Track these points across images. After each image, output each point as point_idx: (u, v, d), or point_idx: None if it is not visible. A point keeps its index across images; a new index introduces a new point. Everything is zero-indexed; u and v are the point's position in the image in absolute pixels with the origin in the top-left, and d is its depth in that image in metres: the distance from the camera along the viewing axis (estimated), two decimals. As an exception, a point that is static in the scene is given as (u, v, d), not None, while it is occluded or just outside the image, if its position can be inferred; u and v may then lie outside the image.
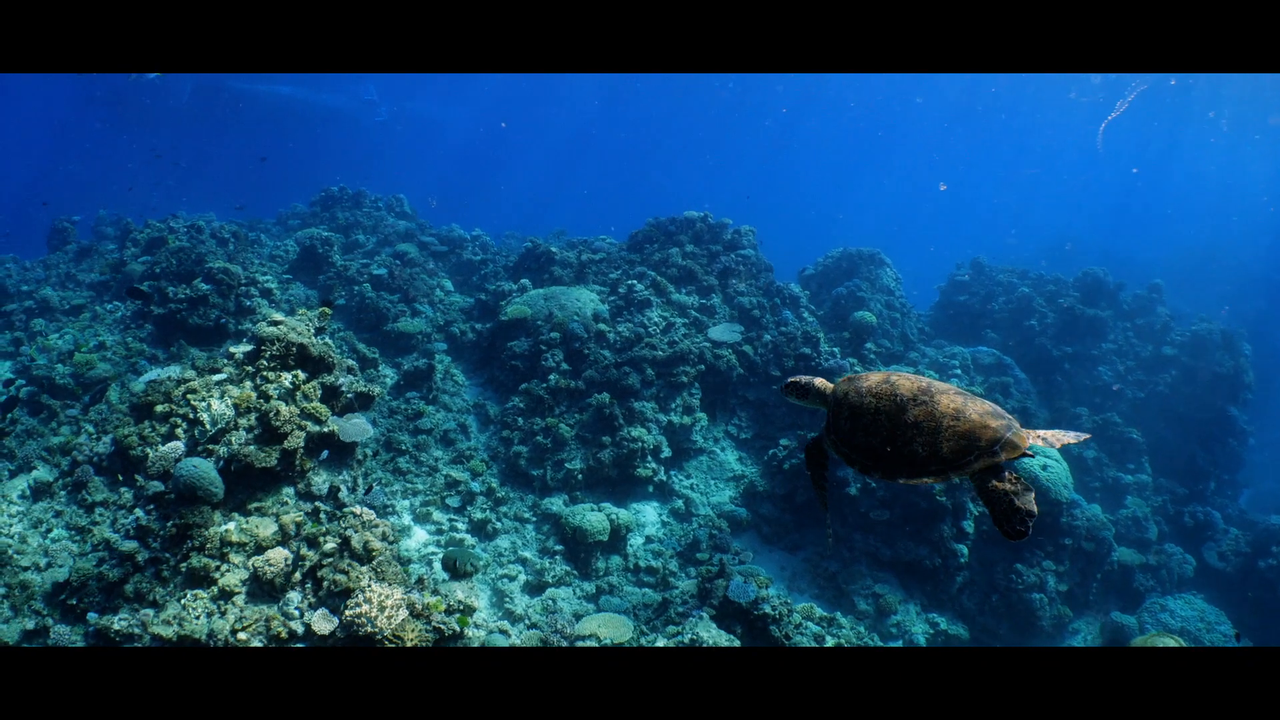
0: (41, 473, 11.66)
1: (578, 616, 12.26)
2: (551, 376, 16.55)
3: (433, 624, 9.47)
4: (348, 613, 8.96)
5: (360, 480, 11.68)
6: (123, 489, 11.07)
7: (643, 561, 14.04)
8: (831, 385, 4.50)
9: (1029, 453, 3.74)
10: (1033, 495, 3.61)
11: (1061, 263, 32.95)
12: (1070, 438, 3.80)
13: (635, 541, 14.53)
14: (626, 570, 13.95)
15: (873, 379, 4.16)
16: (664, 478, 15.77)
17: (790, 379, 4.81)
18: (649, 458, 15.64)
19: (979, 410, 3.81)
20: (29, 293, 18.11)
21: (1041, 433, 3.82)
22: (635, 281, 18.94)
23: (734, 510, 15.43)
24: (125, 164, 55.28)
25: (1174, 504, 20.75)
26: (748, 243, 21.19)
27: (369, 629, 8.86)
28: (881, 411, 3.97)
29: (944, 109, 67.40)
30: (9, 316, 17.39)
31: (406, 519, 14.17)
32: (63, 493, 11.37)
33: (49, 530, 10.68)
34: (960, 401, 3.86)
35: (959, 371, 20.60)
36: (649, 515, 15.24)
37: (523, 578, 13.43)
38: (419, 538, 13.92)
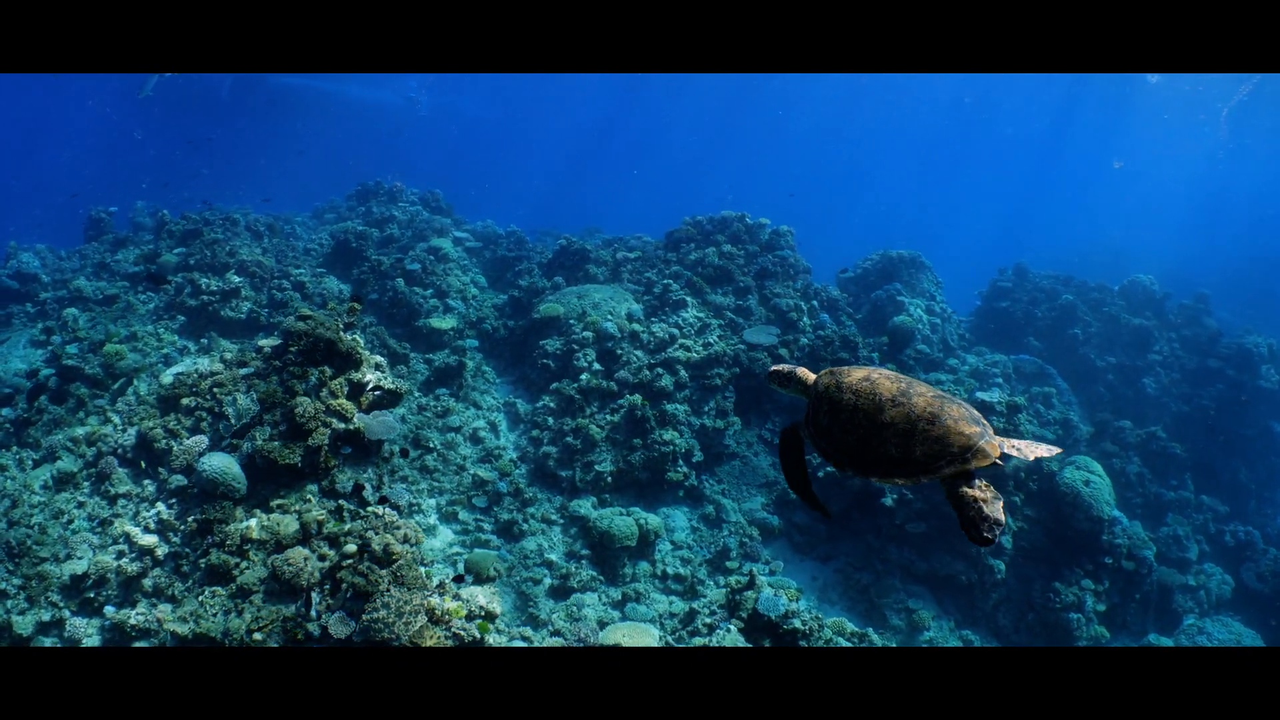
0: (66, 463, 11.58)
1: (602, 624, 12.02)
2: (583, 376, 16.31)
3: (452, 630, 9.27)
4: (365, 617, 8.77)
5: (385, 478, 11.49)
6: (146, 482, 11.00)
7: (671, 568, 13.76)
8: (814, 376, 4.49)
9: (999, 462, 3.66)
10: (1001, 504, 3.58)
11: (1104, 269, 32.31)
12: (1043, 450, 3.79)
13: (664, 547, 14.25)
14: (654, 577, 13.68)
15: (855, 375, 4.12)
16: (695, 482, 15.47)
17: (774, 367, 4.78)
18: (680, 461, 15.36)
19: (954, 415, 3.75)
20: (62, 282, 18.14)
21: (1015, 442, 3.78)
22: (671, 281, 18.67)
23: (765, 518, 15.11)
24: (164, 156, 55.77)
25: (1215, 522, 20.11)
26: (786, 244, 20.85)
27: (386, 634, 8.67)
28: (860, 409, 3.94)
29: (1001, 109, 66.30)
30: (42, 305, 17.42)
31: (432, 518, 13.99)
32: (86, 484, 11.31)
33: (70, 521, 10.59)
34: (938, 406, 3.79)
35: (1000, 380, 20.14)
36: (679, 520, 14.95)
37: (548, 581, 13.20)
38: (444, 537, 13.74)
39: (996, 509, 3.54)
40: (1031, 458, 3.75)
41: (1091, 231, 63.78)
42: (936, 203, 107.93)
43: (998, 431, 5.94)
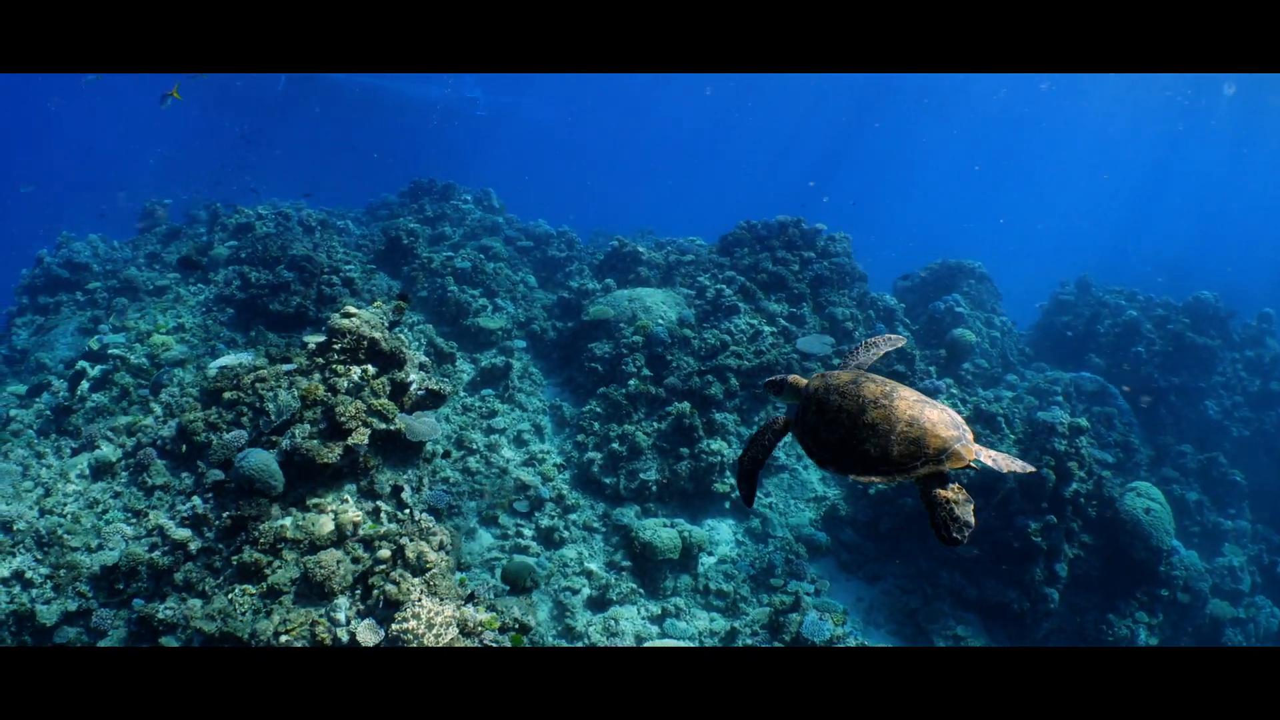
0: (105, 452, 11.47)
1: (640, 640, 11.68)
2: (631, 381, 16.00)
3: (484, 643, 8.96)
4: (395, 626, 8.50)
5: (425, 480, 11.24)
6: (183, 474, 10.85)
7: (713, 584, 13.35)
8: (805, 381, 4.67)
9: (973, 465, 3.79)
10: (972, 507, 3.70)
11: (1172, 284, 31.39)
12: (1017, 465, 3.89)
13: (707, 561, 13.84)
14: (695, 591, 13.29)
15: (843, 378, 4.30)
16: (741, 494, 15.03)
17: (768, 379, 5.03)
18: (728, 472, 14.96)
19: (932, 419, 3.89)
20: (113, 272, 18.20)
21: (992, 453, 3.86)
22: (724, 286, 18.30)
23: (812, 534, 14.64)
24: (219, 149, 56.50)
25: (1269, 553, 19.36)
26: (841, 250, 20.37)
27: (414, 646, 8.38)
28: (844, 410, 4.11)
29: (1060, 114, 64.96)
30: (91, 294, 17.47)
31: (472, 521, 13.75)
32: (124, 474, 11.20)
33: (105, 511, 10.48)
34: (918, 409, 3.94)
35: (1060, 398, 19.49)
36: (723, 533, 14.55)
37: (586, 592, 12.88)
38: (483, 541, 13.49)
39: (967, 511, 3.67)
40: (1005, 470, 3.83)
41: (1148, 243, 62.29)
42: (998, 209, 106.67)
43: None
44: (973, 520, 3.66)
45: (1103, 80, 49.88)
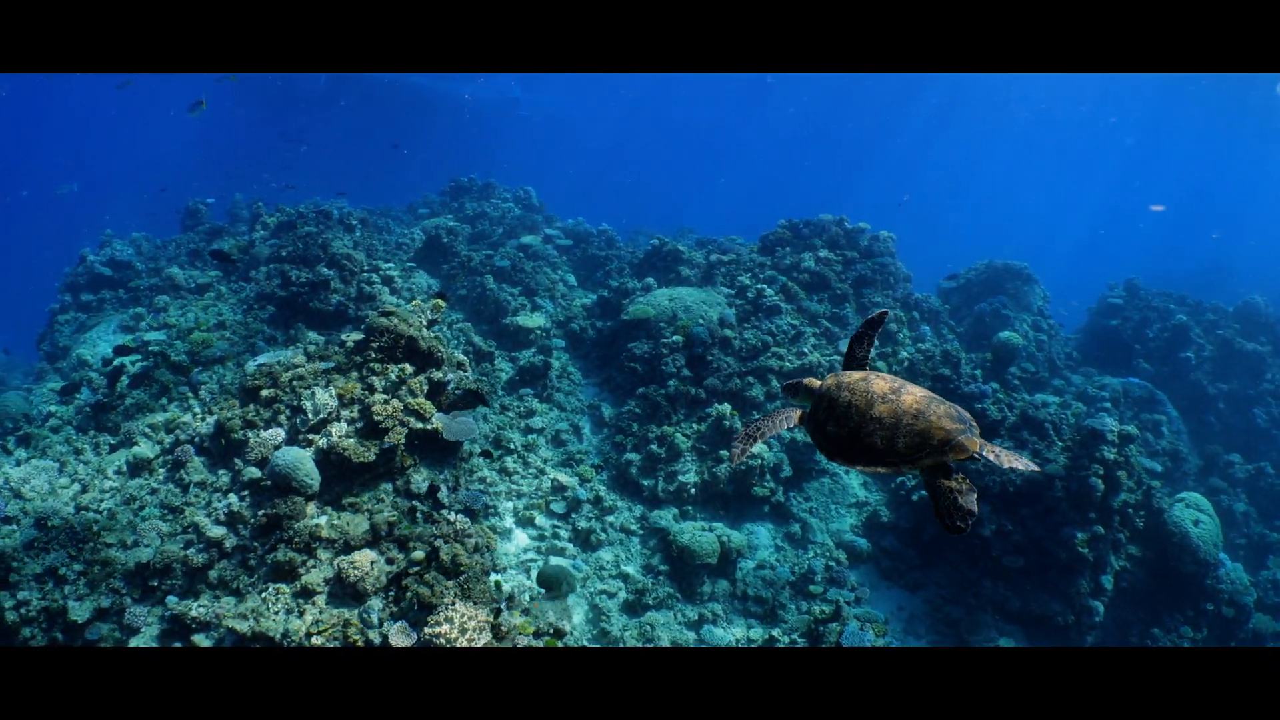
0: (142, 449, 11.48)
1: (675, 646, 11.47)
2: (671, 382, 15.80)
3: (517, 648, 8.81)
4: (427, 630, 8.37)
5: (462, 480, 11.13)
6: (220, 472, 10.80)
7: (751, 589, 13.11)
8: (820, 382, 4.76)
9: (976, 456, 3.84)
10: (975, 495, 3.75)
11: (1210, 288, 30.65)
12: (1020, 463, 3.87)
13: (746, 565, 13.60)
14: (733, 597, 13.06)
15: (854, 377, 4.42)
16: (781, 498, 14.78)
17: (786, 382, 5.16)
18: (768, 476, 14.72)
19: (938, 412, 3.99)
20: (156, 270, 18.30)
21: (996, 448, 3.90)
22: (764, 286, 18.05)
23: (853, 540, 14.35)
24: (260, 148, 56.97)
25: (1313, 566, 18.80)
26: (885, 250, 20.07)
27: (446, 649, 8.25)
28: (853, 405, 4.23)
29: (1112, 112, 63.87)
30: (134, 292, 17.57)
31: (508, 521, 13.63)
32: (161, 470, 11.19)
33: (141, 508, 10.43)
34: (924, 404, 4.05)
35: (1108, 405, 19.03)
36: (762, 538, 14.30)
37: (622, 595, 12.71)
38: (519, 541, 13.36)
39: (970, 500, 3.73)
40: (1006, 466, 3.84)
41: (1195, 244, 60.96)
42: (1041, 210, 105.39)
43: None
44: (975, 508, 3.71)
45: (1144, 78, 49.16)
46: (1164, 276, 33.91)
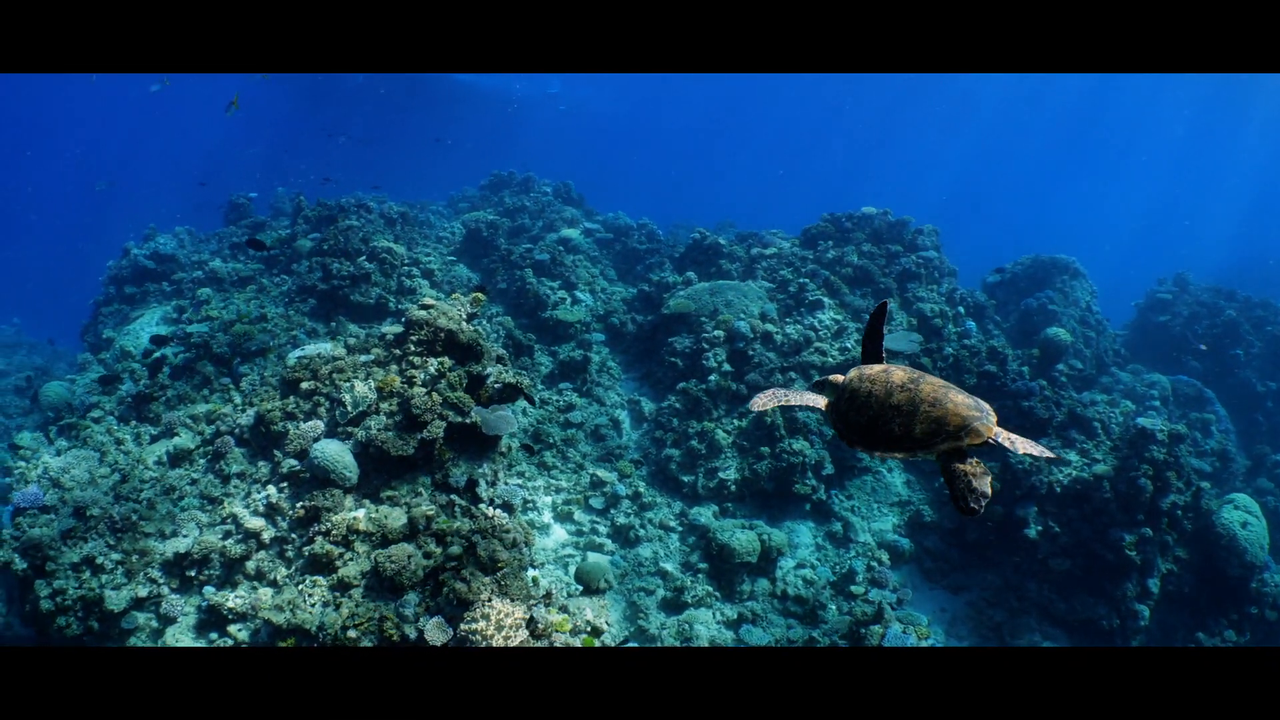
0: (183, 439, 11.51)
1: (713, 646, 11.31)
2: (712, 377, 15.63)
3: (554, 646, 8.70)
4: (463, 626, 8.28)
5: (500, 474, 11.03)
6: (260, 463, 10.80)
7: (791, 589, 12.90)
8: (843, 377, 4.82)
9: (991, 441, 3.87)
10: (989, 479, 3.80)
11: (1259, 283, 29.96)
12: (1035, 449, 3.91)
13: (786, 564, 13.41)
14: (773, 596, 12.87)
15: (874, 369, 4.53)
16: (823, 496, 14.55)
17: (818, 378, 5.33)
18: (809, 473, 14.50)
19: (955, 400, 4.04)
20: (199, 263, 18.39)
21: (1011, 435, 3.94)
22: (807, 280, 17.81)
23: (896, 540, 14.10)
24: (303, 142, 57.37)
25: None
26: (930, 244, 19.75)
27: (483, 647, 8.15)
28: (873, 395, 4.32)
29: (1167, 106, 62.76)
30: (177, 285, 17.68)
31: (547, 516, 13.55)
32: (201, 461, 11.20)
33: (180, 498, 10.44)
34: (941, 392, 4.10)
35: (1157, 403, 18.62)
36: (803, 536, 14.09)
37: (661, 593, 12.57)
38: (558, 536, 13.28)
39: (984, 483, 3.78)
40: (1021, 451, 3.88)
41: (1243, 239, 59.79)
42: (1093, 203, 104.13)
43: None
44: (989, 491, 3.76)
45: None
46: (1211, 271, 33.31)
